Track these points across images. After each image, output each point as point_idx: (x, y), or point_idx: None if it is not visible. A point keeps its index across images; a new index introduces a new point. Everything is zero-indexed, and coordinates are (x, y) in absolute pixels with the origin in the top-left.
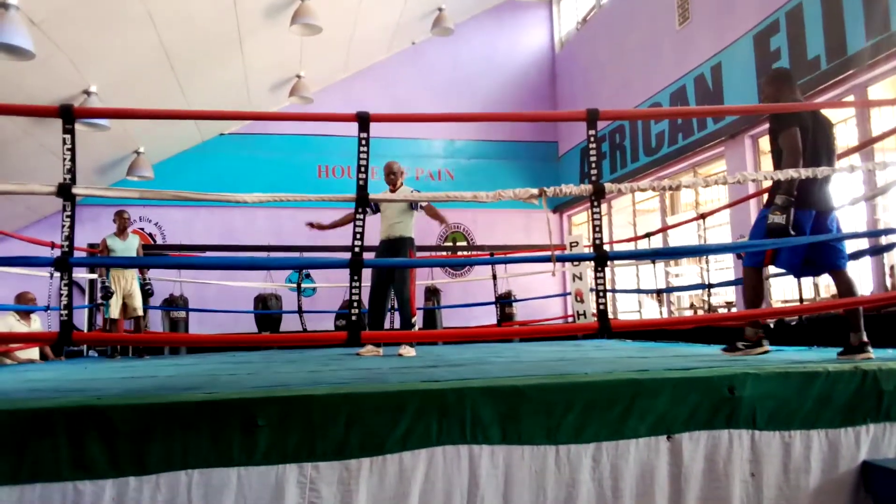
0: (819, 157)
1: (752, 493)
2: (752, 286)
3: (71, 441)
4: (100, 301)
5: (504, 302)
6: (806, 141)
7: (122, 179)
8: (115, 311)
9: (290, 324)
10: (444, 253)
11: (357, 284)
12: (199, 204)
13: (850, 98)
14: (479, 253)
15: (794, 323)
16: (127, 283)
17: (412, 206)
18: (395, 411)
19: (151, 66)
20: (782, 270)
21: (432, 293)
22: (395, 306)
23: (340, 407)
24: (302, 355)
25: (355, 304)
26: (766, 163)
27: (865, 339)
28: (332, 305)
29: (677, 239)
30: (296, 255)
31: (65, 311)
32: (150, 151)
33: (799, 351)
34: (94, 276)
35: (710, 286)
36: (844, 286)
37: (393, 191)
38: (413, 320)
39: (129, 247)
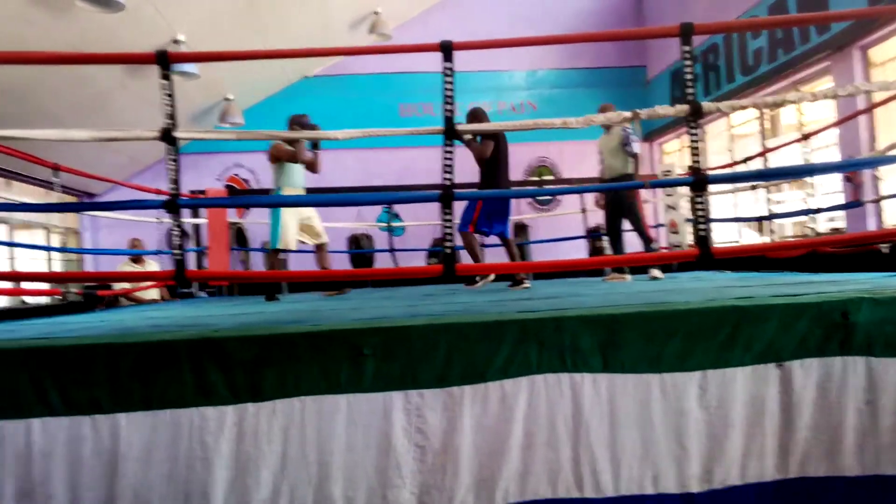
0: (505, 158)
1: (868, 421)
2: (469, 245)
3: (193, 371)
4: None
5: (595, 235)
6: (499, 147)
7: (215, 126)
8: (290, 240)
9: (381, 265)
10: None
11: (449, 218)
12: None
13: None
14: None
15: None
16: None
17: (624, 148)
18: (494, 341)
19: (233, 12)
20: None
21: (520, 229)
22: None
23: (440, 337)
24: (397, 293)
25: (448, 239)
26: (878, 77)
27: (524, 276)
28: (420, 244)
29: (779, 164)
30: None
31: (178, 251)
32: (239, 98)
33: None
34: (200, 220)
35: (817, 211)
36: (509, 246)
37: (608, 132)
38: (652, 244)
39: None
